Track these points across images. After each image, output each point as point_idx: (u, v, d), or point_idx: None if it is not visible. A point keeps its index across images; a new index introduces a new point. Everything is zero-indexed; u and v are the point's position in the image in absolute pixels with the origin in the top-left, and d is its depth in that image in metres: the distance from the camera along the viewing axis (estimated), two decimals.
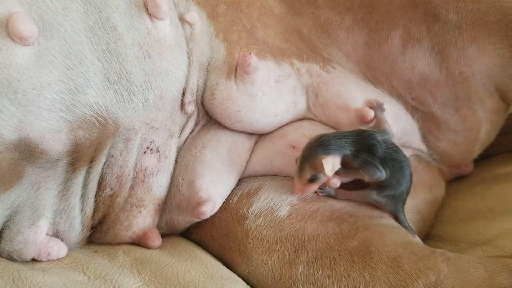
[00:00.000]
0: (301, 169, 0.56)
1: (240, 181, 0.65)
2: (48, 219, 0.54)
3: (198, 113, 0.65)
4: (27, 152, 0.50)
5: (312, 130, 0.64)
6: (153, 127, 0.59)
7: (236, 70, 0.61)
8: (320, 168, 0.54)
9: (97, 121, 0.53)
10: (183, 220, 0.62)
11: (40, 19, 0.50)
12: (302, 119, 0.66)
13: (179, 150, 0.63)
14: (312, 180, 0.56)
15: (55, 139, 0.50)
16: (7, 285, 0.48)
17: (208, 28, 0.64)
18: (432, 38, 0.63)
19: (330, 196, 0.62)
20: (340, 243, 0.56)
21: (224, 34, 0.64)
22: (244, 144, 0.65)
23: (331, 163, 0.54)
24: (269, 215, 0.60)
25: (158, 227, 0.62)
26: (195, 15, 0.63)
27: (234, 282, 0.55)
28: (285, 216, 0.60)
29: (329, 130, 0.64)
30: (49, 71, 0.50)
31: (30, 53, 0.49)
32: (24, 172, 0.51)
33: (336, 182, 0.59)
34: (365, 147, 0.57)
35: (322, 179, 0.57)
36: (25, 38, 0.48)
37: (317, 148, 0.55)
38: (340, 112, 0.64)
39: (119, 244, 0.60)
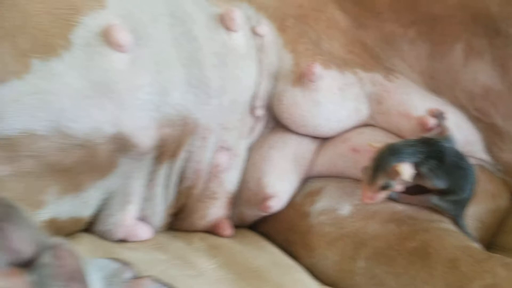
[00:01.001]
0: (373, 177, 0.57)
1: (304, 181, 0.68)
2: (135, 205, 0.59)
3: (267, 117, 0.68)
4: (122, 145, 0.55)
5: (374, 136, 0.66)
6: (226, 128, 0.63)
7: (302, 78, 0.65)
8: (395, 175, 0.56)
9: (180, 120, 0.57)
10: (252, 214, 0.66)
11: (134, 29, 0.55)
12: (364, 125, 0.69)
13: (249, 149, 0.67)
14: (385, 187, 0.57)
15: (145, 134, 0.55)
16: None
17: (277, 39, 0.68)
18: (493, 51, 0.64)
19: (391, 199, 0.62)
20: (399, 243, 0.58)
21: (291, 45, 0.67)
22: (308, 146, 0.68)
23: (408, 169, 0.56)
24: (331, 213, 0.62)
25: (230, 219, 0.66)
26: (265, 28, 0.67)
27: (298, 271, 0.58)
28: (346, 215, 0.62)
29: (390, 136, 0.66)
30: (141, 75, 0.55)
31: (126, 59, 0.54)
32: (118, 162, 0.56)
33: (402, 187, 0.60)
34: (434, 154, 0.58)
35: (394, 186, 0.58)
36: (122, 46, 0.53)
37: (390, 156, 0.56)
38: (402, 120, 0.66)
39: (195, 231, 0.65)
